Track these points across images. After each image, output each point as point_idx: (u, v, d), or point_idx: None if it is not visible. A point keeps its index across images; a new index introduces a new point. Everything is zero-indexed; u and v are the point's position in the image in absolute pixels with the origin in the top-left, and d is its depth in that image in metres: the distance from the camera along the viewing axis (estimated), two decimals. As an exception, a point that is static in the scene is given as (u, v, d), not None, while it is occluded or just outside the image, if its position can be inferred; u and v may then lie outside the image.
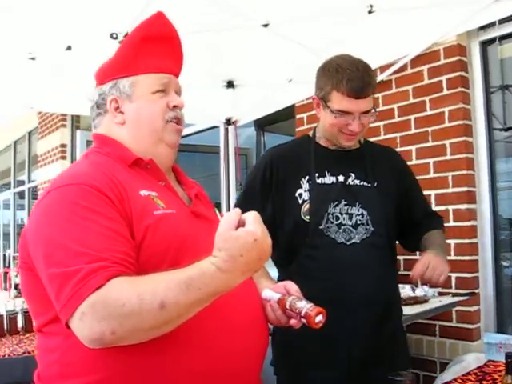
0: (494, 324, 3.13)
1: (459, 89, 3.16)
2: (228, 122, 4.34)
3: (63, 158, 7.27)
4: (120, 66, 1.42)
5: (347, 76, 1.84)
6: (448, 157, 3.16)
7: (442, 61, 3.21)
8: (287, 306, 1.34)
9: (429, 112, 3.24)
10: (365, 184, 1.95)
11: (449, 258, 2.90)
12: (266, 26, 2.76)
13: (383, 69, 3.32)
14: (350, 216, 1.91)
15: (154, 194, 1.31)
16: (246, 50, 3.22)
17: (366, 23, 2.92)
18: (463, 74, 3.20)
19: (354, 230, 1.90)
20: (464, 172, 3.13)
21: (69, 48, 2.79)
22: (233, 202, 4.34)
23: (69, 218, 1.15)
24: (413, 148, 3.27)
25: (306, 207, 1.91)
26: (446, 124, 3.19)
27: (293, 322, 1.34)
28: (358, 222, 1.91)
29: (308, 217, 1.90)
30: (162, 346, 1.15)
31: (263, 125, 5.20)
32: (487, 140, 3.21)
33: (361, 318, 1.85)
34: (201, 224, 1.37)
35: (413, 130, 3.33)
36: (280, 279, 1.92)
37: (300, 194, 1.94)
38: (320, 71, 1.98)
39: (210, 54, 3.19)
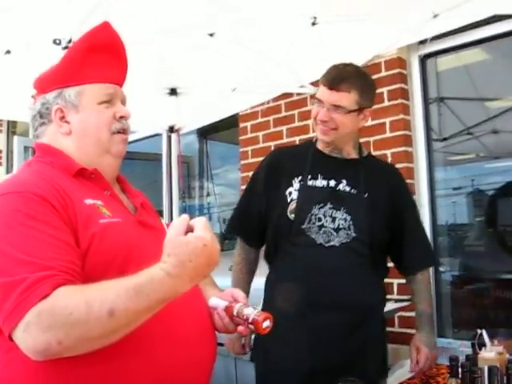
0: (435, 328, 3.20)
1: (399, 100, 3.29)
2: (171, 129, 4.30)
3: (-2, 164, 7.02)
4: (65, 74, 1.40)
5: (331, 70, 2.00)
6: (389, 166, 3.24)
7: (383, 73, 3.33)
8: (234, 313, 1.35)
9: (370, 122, 3.32)
10: (354, 192, 2.01)
11: (390, 264, 2.98)
12: (211, 35, 2.76)
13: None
14: (334, 219, 1.96)
15: (100, 202, 1.30)
16: (190, 58, 3.21)
17: (309, 34, 2.97)
18: (403, 86, 3.32)
19: (334, 233, 1.95)
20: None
21: (8, 52, 2.71)
22: (175, 209, 4.30)
23: (12, 226, 1.13)
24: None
25: (292, 206, 1.99)
26: (387, 134, 3.30)
27: (240, 328, 1.36)
28: (341, 226, 1.96)
29: (292, 215, 1.97)
30: (106, 356, 1.13)
31: (206, 133, 5.21)
32: (426, 150, 3.34)
33: (332, 321, 1.89)
34: (146, 233, 1.38)
35: (355, 140, 3.39)
36: (268, 276, 2.05)
37: (290, 193, 2.02)
38: None
39: (154, 62, 3.17)
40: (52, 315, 1.02)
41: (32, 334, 1.02)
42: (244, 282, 2.15)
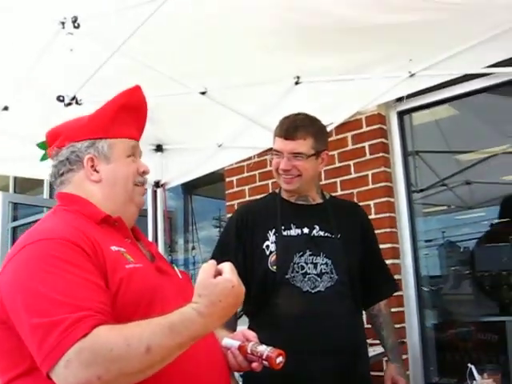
0: (421, 372, 3.33)
1: (381, 154, 3.48)
2: (157, 184, 4.38)
3: (-26, 219, 6.96)
4: (98, 128, 1.52)
5: (284, 122, 2.10)
6: (373, 216, 3.39)
7: (365, 128, 3.52)
8: (248, 351, 1.44)
9: (353, 175, 3.49)
10: (328, 235, 2.09)
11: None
12: (203, 93, 2.90)
13: (310, 135, 3.54)
14: (315, 265, 2.03)
15: (123, 249, 1.39)
16: (176, 115, 3.33)
17: (294, 93, 3.14)
18: (383, 140, 3.52)
19: (318, 279, 2.02)
20: (388, 230, 3.38)
21: (5, 108, 2.78)
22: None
23: (48, 270, 1.20)
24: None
25: (272, 258, 2.04)
26: (370, 186, 3.46)
27: (254, 365, 1.44)
28: (323, 271, 2.03)
29: (275, 267, 2.02)
30: None
31: (191, 187, 5.30)
32: (407, 200, 3.51)
33: (328, 366, 1.94)
34: (164, 278, 1.46)
35: (339, 192, 3.56)
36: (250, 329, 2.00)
37: (267, 246, 2.06)
38: None
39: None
40: (93, 352, 1.09)
41: (73, 371, 1.09)
42: None
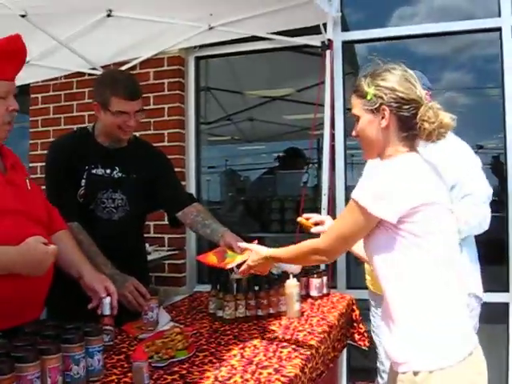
0: (196, 274, 4.10)
1: (177, 91, 4.01)
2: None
3: None
4: None
5: (123, 84, 2.35)
6: (165, 143, 3.95)
7: (166, 67, 4.01)
8: None
9: (152, 106, 3.97)
10: (125, 176, 2.52)
11: (163, 223, 3.61)
12: (23, 16, 3.05)
13: (116, 66, 3.92)
14: (113, 200, 2.49)
15: None
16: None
17: (105, 24, 3.46)
18: (181, 80, 4.06)
19: (114, 211, 2.49)
20: (177, 156, 3.95)
21: None
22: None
23: None
24: (137, 134, 3.94)
25: (81, 192, 2.44)
26: (166, 118, 3.99)
27: None
28: (119, 205, 2.50)
29: (82, 199, 2.43)
30: None
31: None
32: (195, 132, 4.13)
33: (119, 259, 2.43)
34: (9, 189, 1.76)
35: (139, 119, 4.00)
36: None
37: (79, 181, 2.44)
38: (98, 82, 2.48)
39: None
40: None
41: None
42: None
